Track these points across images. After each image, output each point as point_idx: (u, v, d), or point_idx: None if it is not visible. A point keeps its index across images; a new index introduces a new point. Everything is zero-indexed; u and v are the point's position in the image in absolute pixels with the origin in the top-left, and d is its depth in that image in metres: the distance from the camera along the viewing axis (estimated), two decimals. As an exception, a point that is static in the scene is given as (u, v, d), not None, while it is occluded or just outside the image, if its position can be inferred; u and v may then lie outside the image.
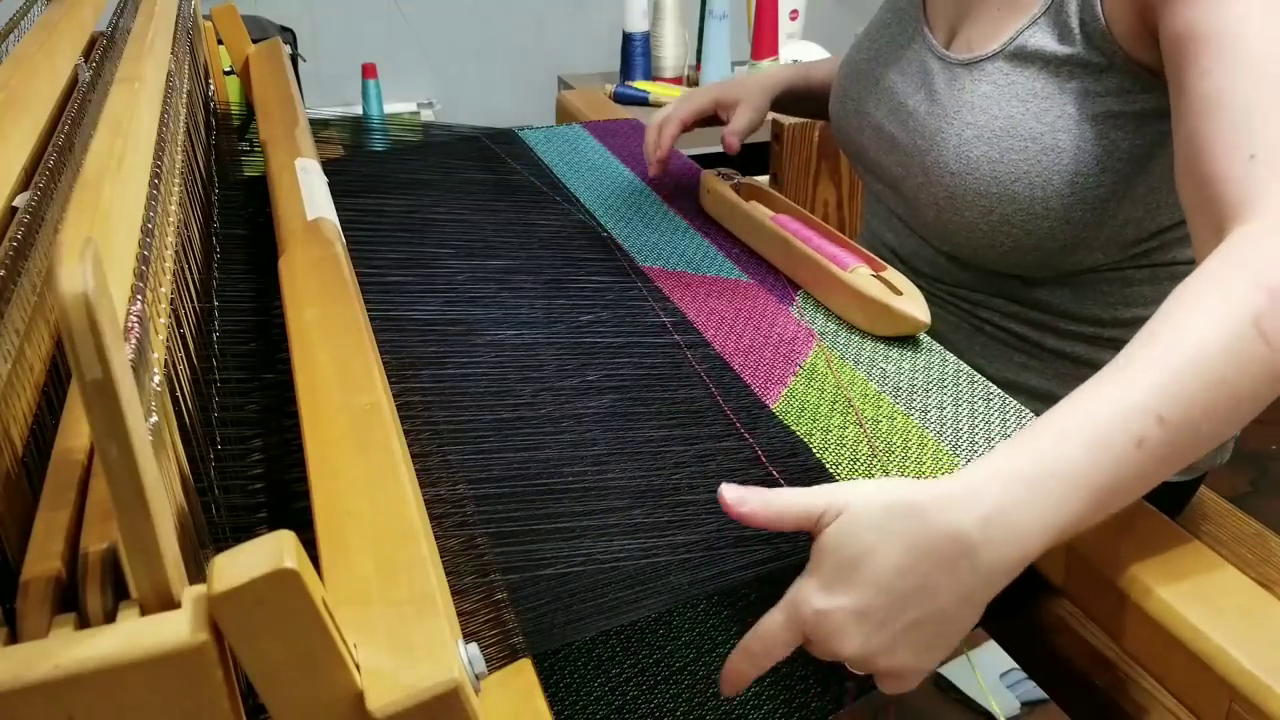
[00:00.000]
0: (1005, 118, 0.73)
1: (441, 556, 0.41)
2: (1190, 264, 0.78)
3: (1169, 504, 0.78)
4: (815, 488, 0.48)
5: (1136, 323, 0.80)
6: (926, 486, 0.46)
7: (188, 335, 0.51)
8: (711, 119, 1.01)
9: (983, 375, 0.68)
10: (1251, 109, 0.55)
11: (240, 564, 0.28)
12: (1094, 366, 0.81)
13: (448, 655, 0.32)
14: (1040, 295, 0.81)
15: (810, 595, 0.46)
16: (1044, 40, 0.72)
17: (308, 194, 0.70)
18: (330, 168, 0.86)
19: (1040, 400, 0.84)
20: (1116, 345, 0.81)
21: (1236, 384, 0.47)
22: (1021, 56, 0.73)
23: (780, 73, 1.02)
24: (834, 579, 0.46)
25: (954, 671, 1.36)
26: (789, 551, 0.51)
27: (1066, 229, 0.74)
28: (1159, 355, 0.48)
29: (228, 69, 1.11)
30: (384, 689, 0.31)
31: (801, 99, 1.04)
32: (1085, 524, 0.47)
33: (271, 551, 0.28)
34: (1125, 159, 0.71)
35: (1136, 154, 0.71)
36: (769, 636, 0.48)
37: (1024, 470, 0.45)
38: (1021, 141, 0.72)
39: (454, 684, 0.31)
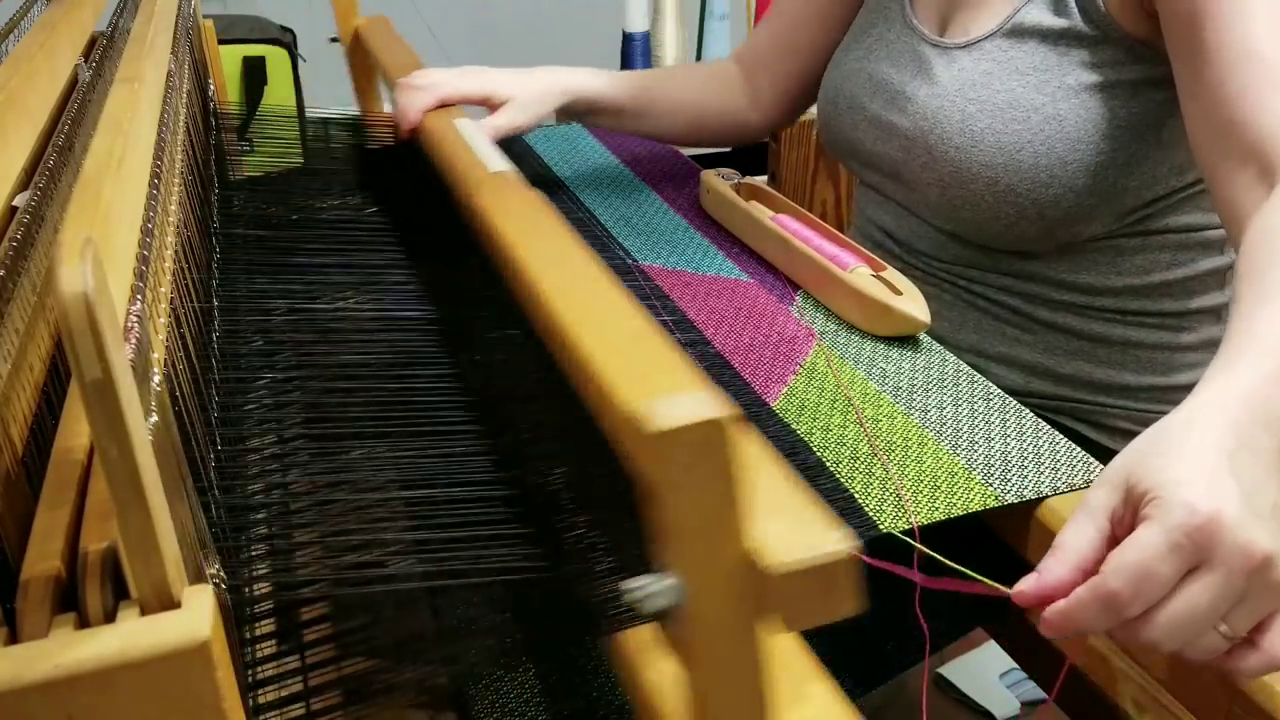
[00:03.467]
0: (1007, 91, 0.75)
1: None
2: (1182, 231, 0.80)
3: None
4: (1080, 511, 0.45)
5: (1127, 291, 0.82)
6: (1203, 391, 0.46)
7: (187, 335, 0.51)
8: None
9: (977, 350, 0.68)
10: None
11: (680, 408, 0.30)
12: (1085, 338, 0.83)
13: (833, 529, 0.33)
14: (1035, 267, 0.83)
15: (1194, 492, 0.41)
16: (1040, 15, 0.75)
17: (481, 150, 0.66)
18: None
19: (1032, 373, 0.84)
20: (1106, 316, 0.83)
21: None
22: (1019, 33, 0.76)
23: (570, 80, 0.93)
24: (1202, 471, 0.41)
25: (954, 671, 1.36)
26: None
27: (1070, 197, 0.75)
28: None
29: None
30: (783, 548, 0.32)
31: (589, 112, 0.96)
32: None
33: (707, 402, 0.30)
34: (1124, 127, 0.74)
35: (1134, 122, 0.74)
36: (1149, 575, 0.40)
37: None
38: (1024, 112, 0.75)
39: (845, 554, 0.32)
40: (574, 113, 0.95)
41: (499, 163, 0.63)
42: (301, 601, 0.44)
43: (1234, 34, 0.60)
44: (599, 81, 0.94)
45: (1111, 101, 0.73)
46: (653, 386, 0.34)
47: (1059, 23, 0.74)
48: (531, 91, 0.90)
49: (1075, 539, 0.44)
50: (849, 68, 0.89)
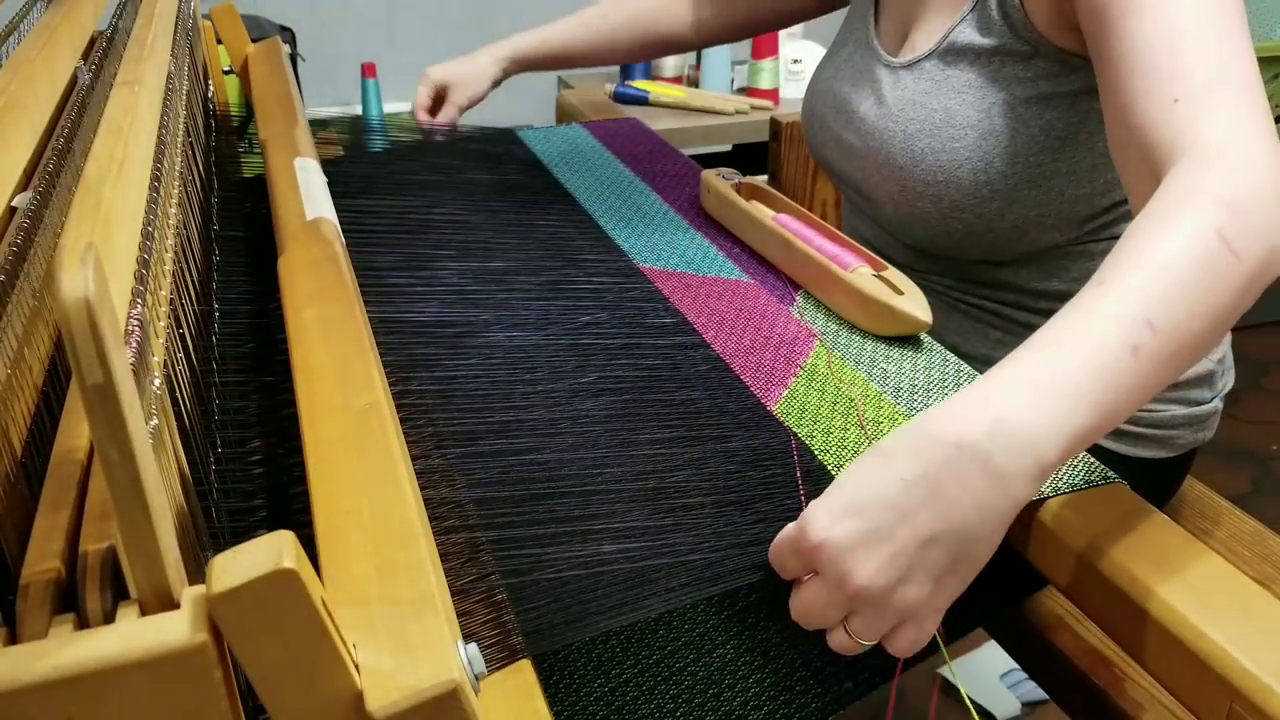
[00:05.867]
0: (943, 110, 0.77)
1: (441, 557, 0.41)
2: None
3: (1153, 486, 0.78)
4: None
5: None
6: (930, 410, 0.46)
7: (187, 337, 0.51)
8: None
9: (959, 352, 0.69)
10: (1172, 56, 0.57)
11: (239, 564, 0.28)
12: None
13: (447, 655, 0.32)
14: (1005, 275, 0.83)
15: (816, 518, 0.45)
16: (971, 35, 0.76)
17: (307, 193, 0.69)
18: (330, 168, 0.86)
19: None
20: None
21: (1213, 291, 0.48)
22: (953, 53, 0.77)
23: (502, 50, 1.09)
24: (840, 503, 0.45)
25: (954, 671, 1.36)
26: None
27: (1015, 209, 0.76)
28: (1137, 269, 0.49)
29: (227, 68, 1.11)
30: (383, 689, 0.31)
31: (539, 66, 1.12)
32: (1094, 436, 0.47)
33: (271, 551, 0.28)
34: (1064, 137, 0.74)
35: (1074, 131, 0.74)
36: (780, 563, 0.47)
37: (1028, 377, 0.46)
38: (961, 130, 0.76)
39: (453, 684, 0.31)
40: (528, 69, 1.11)
41: (320, 209, 0.67)
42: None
43: (1129, 41, 0.59)
44: (535, 38, 1.09)
45: (1049, 113, 0.74)
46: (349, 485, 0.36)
47: (989, 42, 0.75)
48: (474, 74, 1.09)
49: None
50: (820, 86, 0.92)
